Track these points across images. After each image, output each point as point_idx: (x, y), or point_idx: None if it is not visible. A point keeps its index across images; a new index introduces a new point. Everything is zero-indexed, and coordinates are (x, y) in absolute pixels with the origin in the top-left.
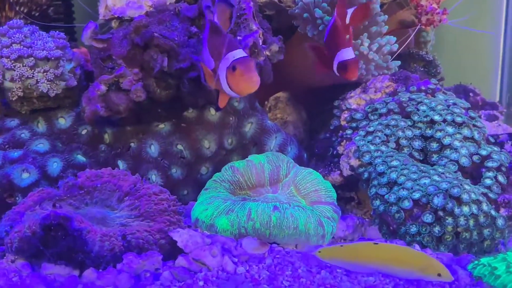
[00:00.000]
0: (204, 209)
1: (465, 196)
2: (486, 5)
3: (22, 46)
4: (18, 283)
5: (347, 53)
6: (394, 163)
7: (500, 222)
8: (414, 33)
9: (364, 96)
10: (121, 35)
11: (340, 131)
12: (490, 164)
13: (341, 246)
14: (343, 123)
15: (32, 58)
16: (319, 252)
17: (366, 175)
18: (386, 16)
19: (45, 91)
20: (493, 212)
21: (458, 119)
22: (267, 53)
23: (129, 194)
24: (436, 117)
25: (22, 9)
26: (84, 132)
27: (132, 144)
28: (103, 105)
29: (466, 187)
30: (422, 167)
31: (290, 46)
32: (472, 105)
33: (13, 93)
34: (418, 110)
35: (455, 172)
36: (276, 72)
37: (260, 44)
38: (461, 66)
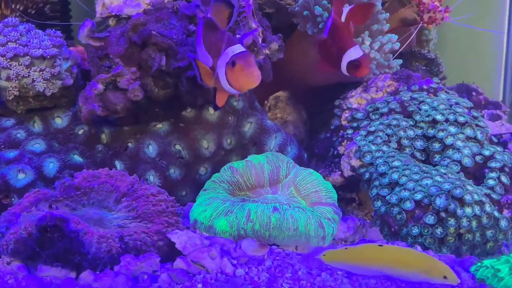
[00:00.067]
0: (203, 210)
1: (467, 197)
2: (489, 3)
3: (17, 45)
4: (14, 285)
5: (356, 52)
6: (396, 163)
7: (503, 223)
8: (416, 31)
9: (365, 95)
10: (119, 34)
11: (341, 131)
12: (493, 164)
13: (346, 248)
14: (344, 122)
15: (28, 57)
16: (324, 255)
17: (367, 175)
18: (388, 14)
19: (41, 90)
20: (496, 213)
21: (461, 119)
22: (267, 51)
23: (126, 195)
24: (438, 117)
25: (18, 6)
26: (81, 132)
27: (129, 144)
28: (100, 105)
29: (469, 188)
30: (424, 168)
31: (290, 44)
32: (475, 104)
33: (9, 92)
34: (420, 109)
35: (458, 172)
36: (275, 71)
37: (260, 42)
38: (463, 64)
